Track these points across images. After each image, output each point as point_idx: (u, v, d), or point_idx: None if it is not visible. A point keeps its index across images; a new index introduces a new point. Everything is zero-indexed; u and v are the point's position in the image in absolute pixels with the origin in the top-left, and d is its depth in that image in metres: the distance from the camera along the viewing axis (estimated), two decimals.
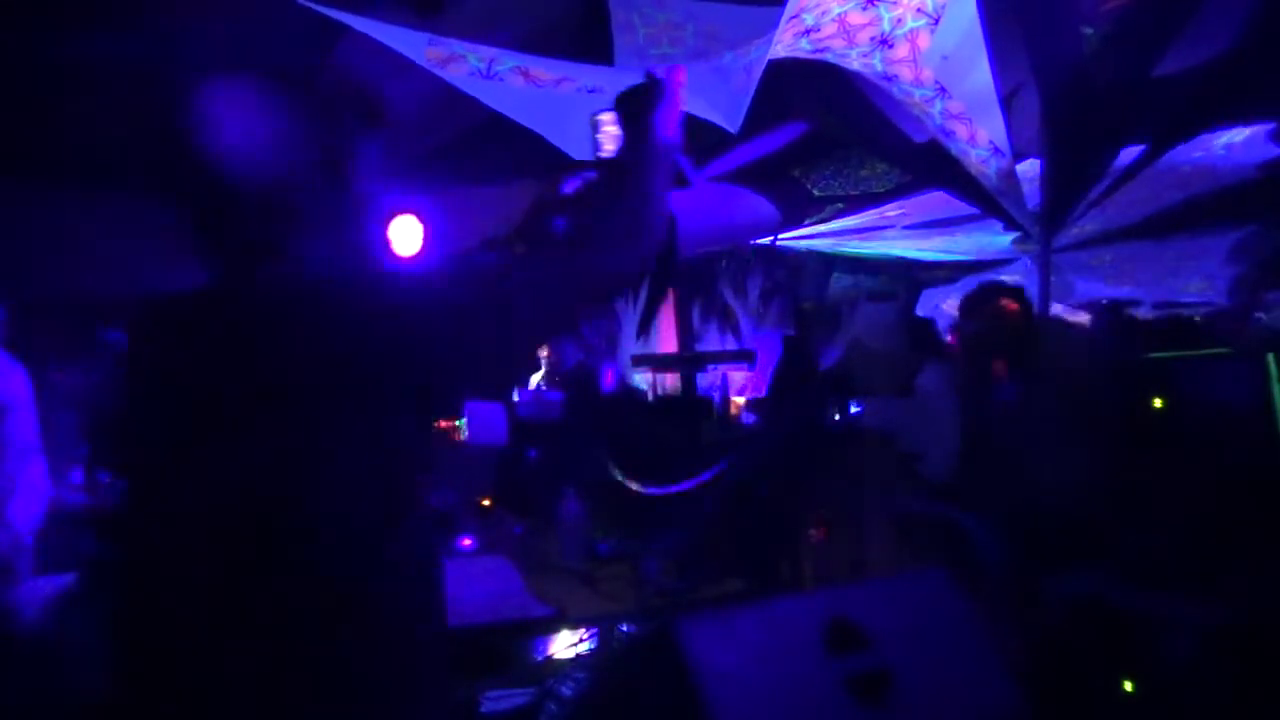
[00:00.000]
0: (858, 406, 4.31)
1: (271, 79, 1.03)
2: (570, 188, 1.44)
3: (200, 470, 0.94)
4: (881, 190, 6.15)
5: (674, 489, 3.51)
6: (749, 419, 5.44)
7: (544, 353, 6.80)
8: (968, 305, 3.36)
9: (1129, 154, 3.99)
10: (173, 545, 0.96)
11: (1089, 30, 3.57)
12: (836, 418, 3.97)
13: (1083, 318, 6.58)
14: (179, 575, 0.96)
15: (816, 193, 6.41)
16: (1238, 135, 4.58)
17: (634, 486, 3.46)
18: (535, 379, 6.63)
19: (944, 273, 7.90)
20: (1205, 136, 4.47)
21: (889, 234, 7.00)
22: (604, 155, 1.36)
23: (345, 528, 0.95)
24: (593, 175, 1.42)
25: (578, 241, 1.14)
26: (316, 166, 1.02)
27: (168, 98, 1.01)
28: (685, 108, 1.33)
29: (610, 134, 1.35)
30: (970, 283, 8.04)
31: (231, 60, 1.04)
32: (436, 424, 1.09)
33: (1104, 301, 6.29)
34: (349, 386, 0.94)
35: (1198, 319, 7.29)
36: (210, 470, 0.94)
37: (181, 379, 0.97)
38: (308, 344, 0.95)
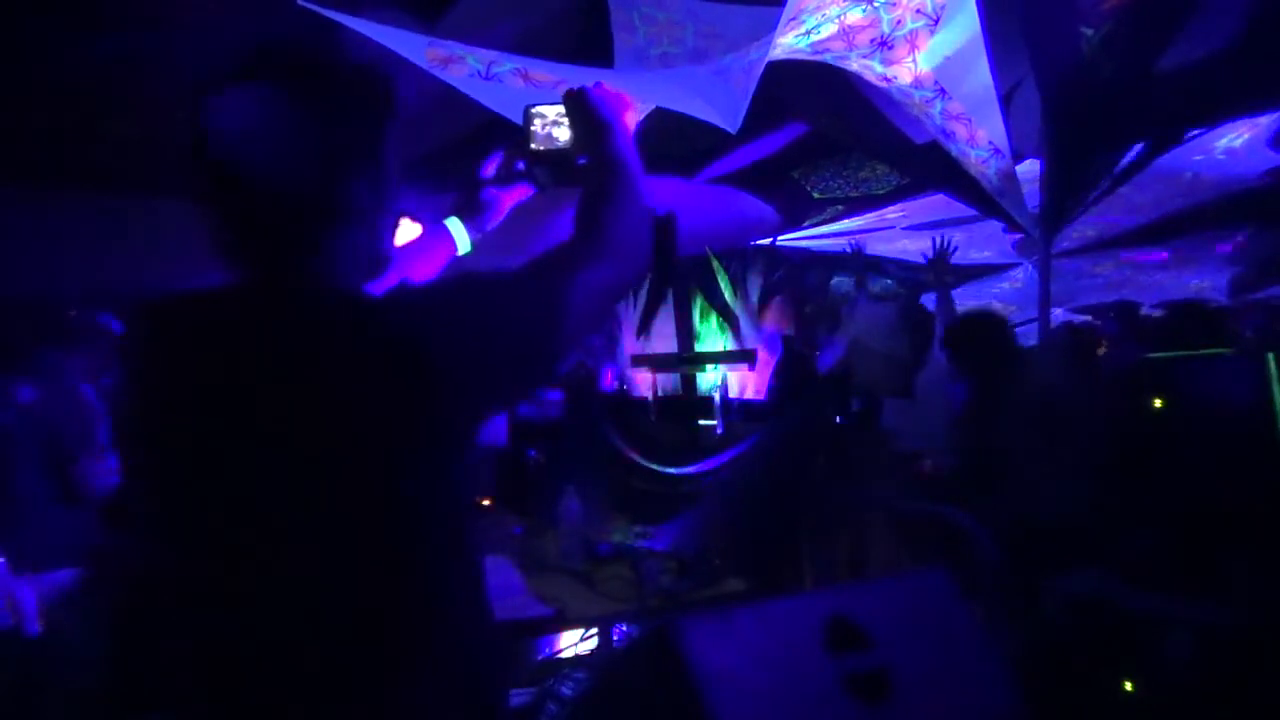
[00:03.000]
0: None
1: (297, 69, 0.99)
2: (490, 170, 1.44)
3: (232, 472, 0.92)
4: (882, 192, 6.15)
5: (691, 470, 3.50)
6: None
7: None
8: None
9: (1129, 154, 3.99)
10: (197, 549, 0.94)
11: (1088, 31, 3.57)
12: (837, 418, 3.97)
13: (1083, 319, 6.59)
14: (203, 573, 0.94)
15: (816, 195, 6.41)
16: (1237, 140, 4.58)
17: (651, 466, 3.45)
18: None
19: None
20: (1205, 141, 4.47)
21: (890, 235, 7.00)
22: (542, 149, 1.37)
23: (388, 541, 0.93)
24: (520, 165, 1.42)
25: (596, 250, 1.11)
26: (349, 159, 0.99)
27: (192, 93, 0.97)
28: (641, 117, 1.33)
29: (556, 131, 1.36)
30: (972, 287, 8.06)
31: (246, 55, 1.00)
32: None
33: (1112, 304, 6.32)
34: (393, 394, 0.90)
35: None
36: (243, 473, 0.91)
37: (213, 378, 0.93)
38: (350, 347, 0.92)
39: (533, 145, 1.36)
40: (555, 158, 1.36)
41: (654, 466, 3.56)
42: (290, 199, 0.97)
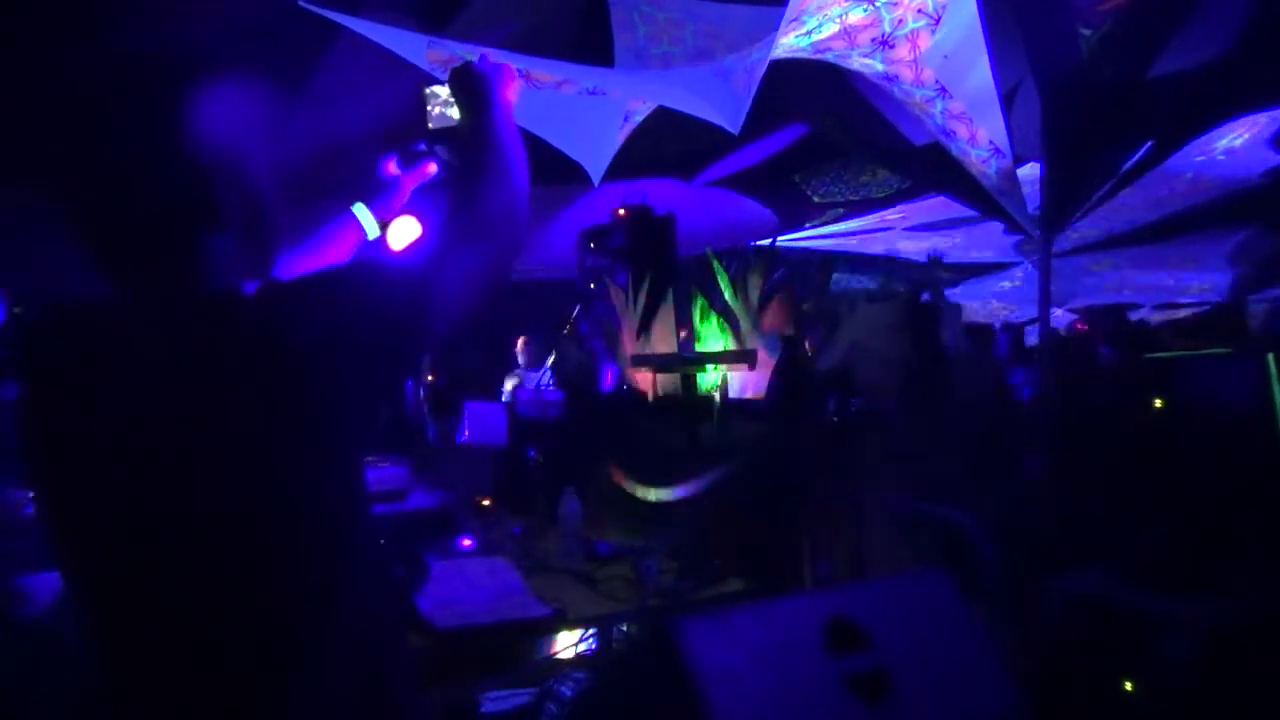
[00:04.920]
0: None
1: (159, 76, 0.99)
2: (391, 163, 1.47)
3: (121, 483, 0.93)
4: (881, 196, 6.15)
5: (679, 494, 3.50)
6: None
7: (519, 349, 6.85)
8: None
9: (1130, 156, 3.99)
10: (113, 556, 0.96)
11: (1087, 32, 3.57)
12: (836, 418, 3.97)
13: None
14: (124, 584, 0.95)
15: (817, 199, 6.42)
16: (1237, 139, 4.58)
17: (642, 494, 3.44)
18: (510, 384, 6.67)
19: (948, 275, 7.92)
20: (1205, 140, 4.47)
21: (890, 235, 7.01)
22: (437, 127, 1.40)
23: (293, 536, 0.96)
24: (421, 146, 1.45)
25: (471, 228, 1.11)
26: (216, 163, 1.00)
27: (58, 106, 0.99)
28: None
29: (449, 110, 1.39)
30: (972, 286, 8.06)
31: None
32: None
33: (1102, 307, 6.32)
34: (270, 388, 0.93)
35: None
36: (132, 482, 0.93)
37: (96, 391, 0.95)
38: (223, 347, 0.94)
39: (429, 125, 1.41)
40: (450, 135, 1.40)
41: (646, 494, 3.53)
42: (158, 205, 0.98)
